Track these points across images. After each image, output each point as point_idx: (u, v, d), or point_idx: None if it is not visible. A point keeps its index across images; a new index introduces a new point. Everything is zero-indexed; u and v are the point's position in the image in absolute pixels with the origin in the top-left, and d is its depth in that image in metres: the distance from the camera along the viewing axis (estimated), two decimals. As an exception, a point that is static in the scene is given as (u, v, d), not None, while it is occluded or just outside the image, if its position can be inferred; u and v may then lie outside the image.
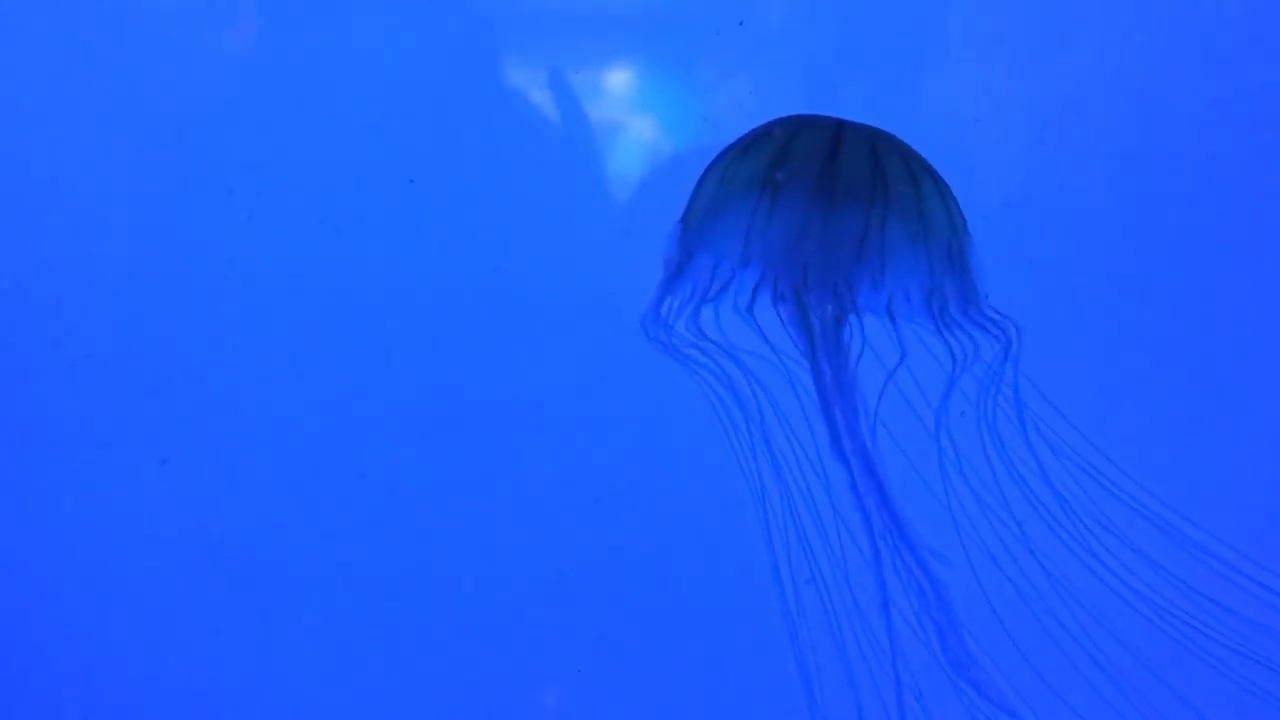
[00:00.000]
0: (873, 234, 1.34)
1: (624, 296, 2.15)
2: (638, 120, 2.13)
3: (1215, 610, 1.68)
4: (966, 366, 1.50)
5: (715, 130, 2.14)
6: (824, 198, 1.37)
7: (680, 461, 2.12)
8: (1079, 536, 1.63)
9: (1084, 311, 2.07)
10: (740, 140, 1.51)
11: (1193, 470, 2.05)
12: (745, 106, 2.14)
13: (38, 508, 2.22)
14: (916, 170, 1.42)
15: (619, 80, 2.15)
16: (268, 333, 2.18)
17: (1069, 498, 1.63)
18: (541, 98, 2.12)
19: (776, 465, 1.60)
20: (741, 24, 1.95)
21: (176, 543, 2.21)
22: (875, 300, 1.40)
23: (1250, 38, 2.05)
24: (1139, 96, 2.05)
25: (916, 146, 1.54)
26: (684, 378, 2.13)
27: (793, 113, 1.52)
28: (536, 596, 2.18)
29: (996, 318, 1.48)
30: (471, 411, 2.18)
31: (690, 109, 2.15)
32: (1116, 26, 2.01)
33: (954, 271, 1.42)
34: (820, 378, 1.44)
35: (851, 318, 1.42)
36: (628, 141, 2.14)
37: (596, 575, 2.16)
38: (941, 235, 1.40)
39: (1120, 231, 2.08)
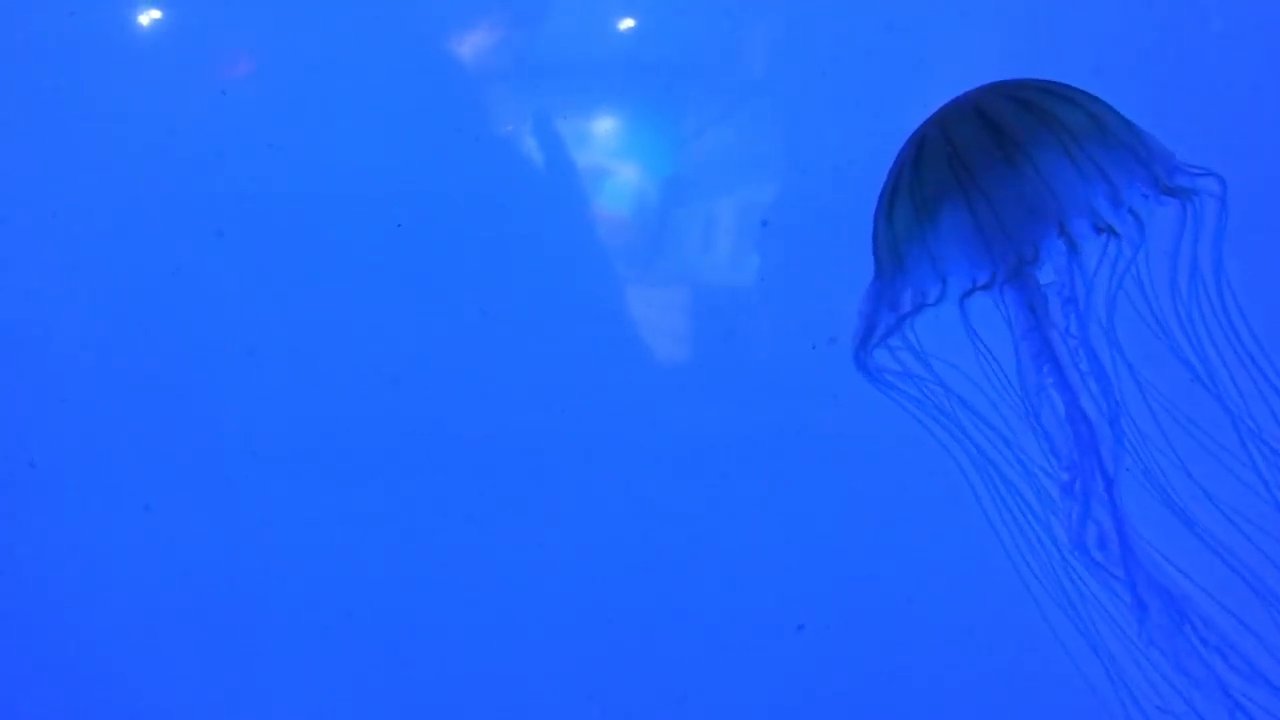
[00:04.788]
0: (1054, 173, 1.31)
1: (609, 340, 2.18)
2: (623, 166, 2.16)
3: None
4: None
5: (700, 175, 2.18)
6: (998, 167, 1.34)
7: (663, 494, 2.13)
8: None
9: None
10: (901, 166, 1.44)
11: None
12: (728, 153, 2.18)
13: (20, 554, 2.20)
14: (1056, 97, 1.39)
15: (605, 127, 2.18)
16: (254, 377, 2.18)
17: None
18: (528, 144, 2.14)
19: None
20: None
21: (159, 590, 2.19)
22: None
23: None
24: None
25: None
26: (659, 422, 2.14)
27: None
28: (536, 643, 2.17)
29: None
30: (456, 453, 2.18)
31: (675, 155, 2.17)
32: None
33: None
34: (1047, 359, 1.38)
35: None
36: (613, 187, 2.16)
37: (594, 620, 2.16)
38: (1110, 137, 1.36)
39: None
